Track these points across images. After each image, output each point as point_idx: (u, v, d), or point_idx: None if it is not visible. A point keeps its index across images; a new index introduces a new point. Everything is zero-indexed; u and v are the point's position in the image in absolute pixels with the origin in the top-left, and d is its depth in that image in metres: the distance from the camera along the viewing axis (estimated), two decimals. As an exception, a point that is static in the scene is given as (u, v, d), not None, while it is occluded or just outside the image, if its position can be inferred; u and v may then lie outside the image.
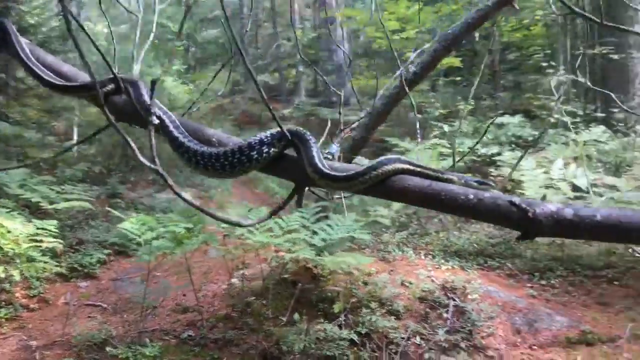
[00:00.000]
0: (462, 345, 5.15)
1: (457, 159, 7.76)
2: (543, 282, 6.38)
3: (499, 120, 11.97)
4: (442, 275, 6.12)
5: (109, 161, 11.20)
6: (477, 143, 5.97)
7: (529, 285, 6.33)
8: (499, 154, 10.22)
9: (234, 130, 13.89)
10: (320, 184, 1.93)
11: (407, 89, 4.65)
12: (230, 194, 7.69)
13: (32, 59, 2.17)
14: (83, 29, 2.09)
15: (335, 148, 3.69)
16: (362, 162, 6.82)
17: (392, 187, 1.87)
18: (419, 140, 4.71)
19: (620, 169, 8.73)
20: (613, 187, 7.51)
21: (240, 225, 2.14)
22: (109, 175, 10.70)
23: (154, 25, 4.17)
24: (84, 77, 2.28)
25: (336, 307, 5.42)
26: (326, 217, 5.36)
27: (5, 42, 2.17)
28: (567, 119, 11.60)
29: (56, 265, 6.36)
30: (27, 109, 10.49)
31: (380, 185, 1.88)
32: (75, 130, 11.73)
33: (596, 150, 9.79)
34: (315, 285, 5.68)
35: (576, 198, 7.25)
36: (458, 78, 14.70)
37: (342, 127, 4.22)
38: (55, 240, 5.89)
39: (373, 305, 5.50)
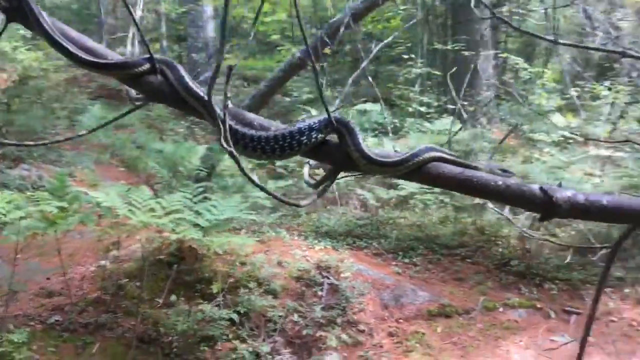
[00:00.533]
0: (338, 321, 5.42)
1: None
2: (406, 260, 6.88)
3: (362, 107, 12.50)
4: (316, 255, 6.34)
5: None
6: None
7: (394, 263, 6.79)
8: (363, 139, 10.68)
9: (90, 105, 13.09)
10: (364, 169, 2.02)
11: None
12: (93, 172, 7.27)
13: (57, 32, 1.94)
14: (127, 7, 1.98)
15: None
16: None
17: (429, 172, 2.01)
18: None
19: (470, 157, 9.58)
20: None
21: (298, 206, 2.14)
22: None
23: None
24: (111, 54, 2.10)
25: (214, 288, 5.41)
26: (206, 198, 5.31)
27: (25, 13, 1.94)
28: (422, 108, 12.46)
29: None
30: None
31: (418, 171, 2.02)
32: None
33: (448, 139, 10.63)
34: (191, 266, 5.62)
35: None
36: (324, 64, 15.06)
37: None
38: None
39: (251, 285, 5.57)
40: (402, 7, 13.15)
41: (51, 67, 12.08)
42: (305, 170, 2.31)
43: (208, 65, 14.05)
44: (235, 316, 5.16)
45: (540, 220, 2.00)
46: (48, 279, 5.74)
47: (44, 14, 1.95)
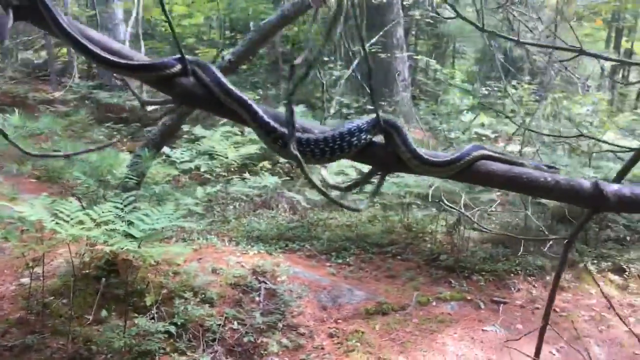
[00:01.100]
0: (278, 325, 5.37)
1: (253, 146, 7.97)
2: (340, 260, 6.94)
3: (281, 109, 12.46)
4: (251, 260, 6.26)
5: None
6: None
7: (328, 264, 6.83)
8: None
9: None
10: (416, 170, 1.98)
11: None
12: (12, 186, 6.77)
13: (78, 32, 1.72)
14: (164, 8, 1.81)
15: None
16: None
17: (479, 171, 2.00)
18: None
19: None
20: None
21: (357, 210, 2.04)
22: None
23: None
24: (138, 55, 1.90)
25: (148, 300, 5.22)
26: (136, 208, 5.09)
27: (38, 12, 1.74)
28: (344, 110, 12.64)
29: None
30: None
31: (467, 170, 2.00)
32: None
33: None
34: (122, 279, 5.37)
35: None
36: (243, 67, 14.93)
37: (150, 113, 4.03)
38: None
39: (186, 294, 5.41)
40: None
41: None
42: (324, 172, 2.26)
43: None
44: (172, 328, 4.98)
45: (592, 213, 2.07)
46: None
47: (61, 12, 1.79)
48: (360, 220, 7.87)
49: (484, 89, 12.87)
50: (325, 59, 12.46)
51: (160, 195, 5.79)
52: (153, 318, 5.11)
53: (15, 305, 5.22)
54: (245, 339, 5.17)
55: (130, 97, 12.95)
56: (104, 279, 5.27)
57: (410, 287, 6.42)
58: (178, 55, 1.89)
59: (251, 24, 15.44)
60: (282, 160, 10.10)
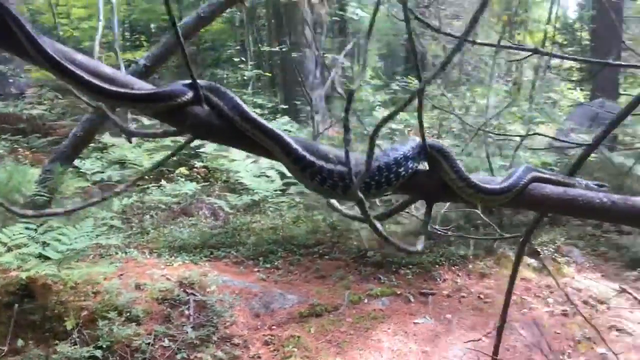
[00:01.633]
0: (212, 338, 5.17)
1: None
2: (268, 265, 6.81)
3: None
4: (176, 272, 5.99)
5: None
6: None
7: (256, 270, 6.68)
8: (202, 145, 10.40)
9: None
10: (469, 199, 1.73)
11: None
12: None
13: (63, 57, 1.39)
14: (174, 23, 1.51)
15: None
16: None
17: (533, 195, 1.79)
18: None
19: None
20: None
21: (417, 253, 1.74)
22: None
23: None
24: (137, 82, 1.55)
25: (68, 324, 4.85)
26: (49, 228, 4.72)
27: (6, 31, 1.39)
28: (257, 110, 12.47)
29: None
30: None
31: (521, 196, 1.79)
32: None
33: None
34: (37, 303, 4.97)
35: (286, 184, 7.89)
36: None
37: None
38: None
39: (110, 314, 5.07)
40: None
41: None
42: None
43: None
44: (98, 352, 4.66)
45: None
46: None
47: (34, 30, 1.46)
48: (284, 222, 7.77)
49: (394, 84, 13.16)
50: (236, 59, 12.22)
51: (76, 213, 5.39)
52: (75, 343, 4.76)
53: None
54: (178, 356, 4.93)
55: (27, 106, 12.12)
56: (16, 305, 4.85)
57: (341, 286, 6.41)
58: (188, 81, 1.63)
59: (152, 25, 14.93)
60: (198, 164, 9.83)
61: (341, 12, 14.20)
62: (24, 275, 3.98)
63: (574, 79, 19.05)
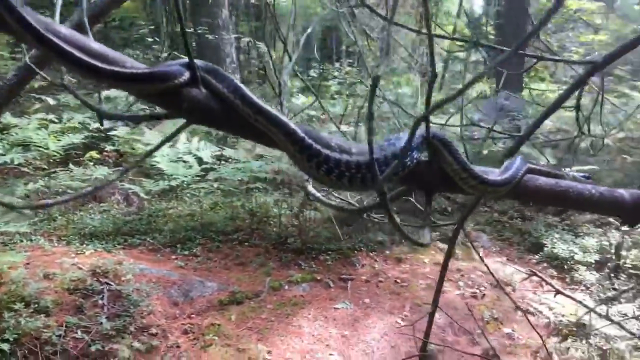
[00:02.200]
0: (129, 328, 4.98)
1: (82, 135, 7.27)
2: (186, 252, 6.65)
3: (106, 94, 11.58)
4: (88, 260, 5.70)
5: None
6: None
7: (174, 257, 6.50)
8: (113, 129, 9.93)
9: None
10: (470, 190, 1.65)
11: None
12: None
13: (50, 33, 1.13)
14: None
15: None
16: None
17: (527, 187, 1.76)
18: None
19: (237, 143, 9.60)
20: (232, 158, 8.26)
21: (422, 245, 1.59)
22: None
23: None
24: (129, 61, 1.30)
25: (-32, 318, 4.51)
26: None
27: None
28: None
29: None
30: None
31: (516, 187, 1.75)
32: None
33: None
34: None
35: (204, 170, 7.71)
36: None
37: None
38: None
39: (17, 306, 4.76)
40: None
41: None
42: (310, 188, 1.93)
43: None
44: (4, 346, 4.37)
45: (630, 226, 1.90)
46: None
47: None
48: (202, 208, 7.60)
49: (311, 71, 13.20)
50: (149, 39, 11.75)
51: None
52: (-23, 337, 4.44)
53: None
54: (92, 348, 4.70)
55: None
56: None
57: (261, 273, 6.37)
58: (185, 59, 1.49)
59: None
60: (109, 148, 9.39)
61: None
62: None
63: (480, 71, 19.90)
